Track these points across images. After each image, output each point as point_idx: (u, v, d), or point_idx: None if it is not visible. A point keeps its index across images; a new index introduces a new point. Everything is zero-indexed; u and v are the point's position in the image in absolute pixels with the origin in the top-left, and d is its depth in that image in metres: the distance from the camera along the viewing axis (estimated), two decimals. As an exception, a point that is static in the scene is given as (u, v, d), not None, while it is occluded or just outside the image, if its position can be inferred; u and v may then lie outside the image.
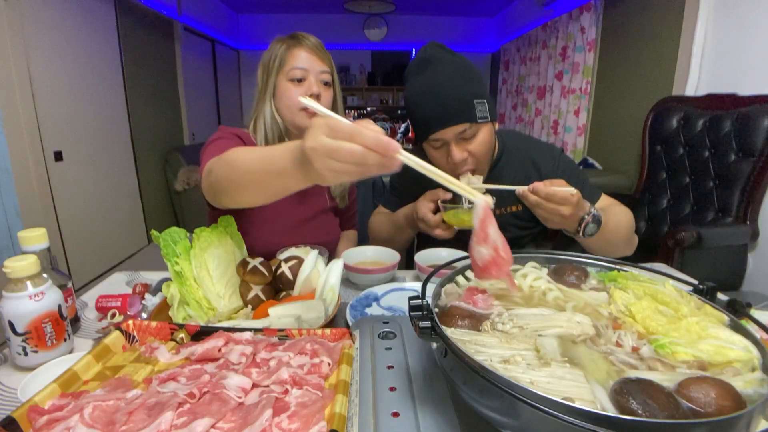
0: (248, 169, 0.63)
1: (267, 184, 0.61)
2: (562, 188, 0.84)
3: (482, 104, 0.94)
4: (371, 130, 0.45)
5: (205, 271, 0.77)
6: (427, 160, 0.57)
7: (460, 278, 0.58)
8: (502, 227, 0.49)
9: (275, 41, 1.05)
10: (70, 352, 0.66)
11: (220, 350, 0.58)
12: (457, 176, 0.98)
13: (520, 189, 0.87)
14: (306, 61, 1.01)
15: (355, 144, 0.44)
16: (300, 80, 1.01)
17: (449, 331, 0.44)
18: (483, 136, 0.96)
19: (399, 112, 6.24)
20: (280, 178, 0.58)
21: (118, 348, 0.61)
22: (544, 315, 0.48)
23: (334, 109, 1.09)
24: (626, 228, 1.02)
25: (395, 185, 1.23)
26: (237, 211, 1.01)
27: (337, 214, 1.23)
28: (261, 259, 0.81)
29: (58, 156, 2.52)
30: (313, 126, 0.46)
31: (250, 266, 0.79)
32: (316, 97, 1.01)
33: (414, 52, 6.01)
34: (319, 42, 1.04)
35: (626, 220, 1.03)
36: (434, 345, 0.44)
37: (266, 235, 1.03)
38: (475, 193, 0.50)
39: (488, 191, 0.77)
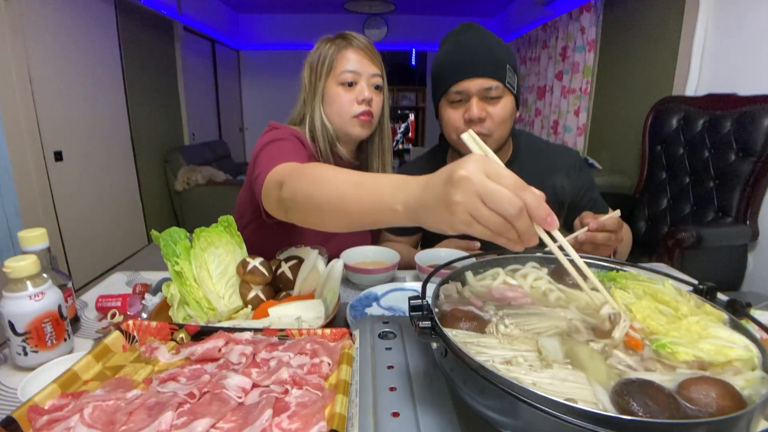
0: (340, 197, 0.54)
1: (358, 218, 0.53)
2: (608, 216, 0.77)
3: (512, 74, 0.92)
4: (535, 191, 0.39)
5: (205, 271, 0.77)
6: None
7: (463, 282, 0.58)
8: None
9: (322, 41, 1.00)
10: (70, 352, 0.66)
11: (220, 350, 0.58)
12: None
13: (571, 238, 0.77)
14: (357, 64, 0.96)
15: (516, 197, 0.38)
16: (351, 84, 0.96)
17: (451, 333, 0.44)
18: (506, 105, 0.92)
19: (399, 112, 6.25)
20: (380, 214, 0.49)
21: (118, 348, 0.61)
22: (540, 314, 0.48)
23: (381, 114, 1.04)
24: (623, 251, 1.02)
25: None
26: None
27: (372, 231, 1.18)
28: (261, 259, 0.81)
29: (58, 156, 2.52)
30: (472, 158, 0.40)
31: (250, 266, 0.79)
32: (368, 102, 0.97)
33: (414, 52, 6.02)
34: (370, 42, 0.99)
35: (626, 245, 1.03)
36: (434, 345, 0.44)
37: (296, 242, 0.98)
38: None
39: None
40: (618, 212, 0.79)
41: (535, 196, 0.39)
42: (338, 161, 1.02)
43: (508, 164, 1.06)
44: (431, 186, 0.42)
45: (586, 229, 0.77)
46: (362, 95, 0.96)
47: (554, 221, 0.40)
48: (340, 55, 0.96)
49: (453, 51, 0.93)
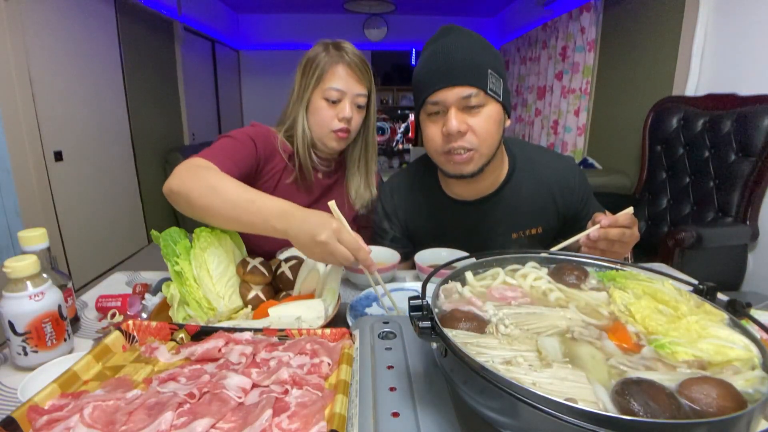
0: (236, 208, 0.74)
1: (246, 225, 0.75)
2: (621, 213, 0.77)
3: (496, 79, 0.84)
4: (365, 249, 0.68)
5: (205, 271, 0.77)
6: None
7: (463, 282, 0.58)
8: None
9: (319, 45, 1.02)
10: (70, 352, 0.66)
11: (220, 350, 0.58)
12: (447, 152, 0.87)
13: (583, 235, 0.77)
14: (344, 82, 0.99)
15: (351, 255, 0.67)
16: (335, 101, 1.00)
17: (451, 333, 0.44)
18: (490, 113, 0.84)
19: (399, 112, 6.26)
20: (263, 228, 0.73)
21: (118, 348, 0.61)
22: (538, 313, 0.48)
23: (365, 128, 1.09)
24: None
25: (389, 215, 1.10)
26: None
27: (355, 222, 1.18)
28: (261, 259, 0.81)
29: (58, 156, 2.52)
30: (330, 228, 0.67)
31: (250, 266, 0.79)
32: (347, 120, 1.01)
33: (414, 52, 6.02)
34: (362, 58, 1.02)
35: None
36: (434, 345, 0.44)
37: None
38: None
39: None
40: (631, 209, 0.77)
41: (365, 254, 0.68)
42: (313, 162, 1.07)
43: (506, 181, 1.00)
44: (303, 231, 0.68)
45: (598, 226, 0.76)
46: (343, 113, 1.00)
47: (374, 267, 0.72)
48: (330, 68, 0.99)
49: (429, 58, 0.87)
